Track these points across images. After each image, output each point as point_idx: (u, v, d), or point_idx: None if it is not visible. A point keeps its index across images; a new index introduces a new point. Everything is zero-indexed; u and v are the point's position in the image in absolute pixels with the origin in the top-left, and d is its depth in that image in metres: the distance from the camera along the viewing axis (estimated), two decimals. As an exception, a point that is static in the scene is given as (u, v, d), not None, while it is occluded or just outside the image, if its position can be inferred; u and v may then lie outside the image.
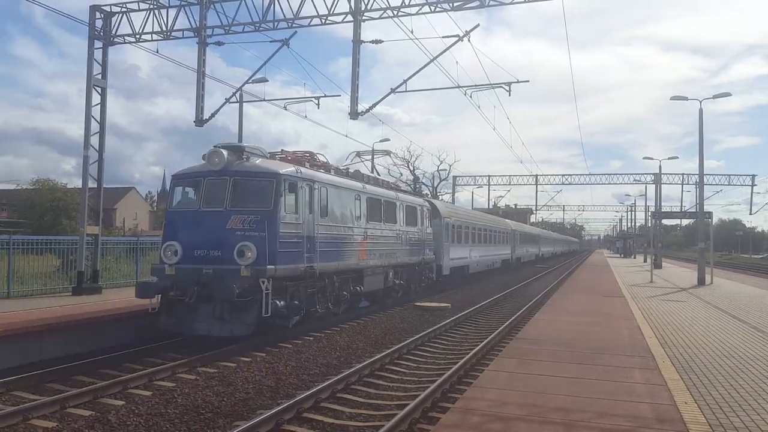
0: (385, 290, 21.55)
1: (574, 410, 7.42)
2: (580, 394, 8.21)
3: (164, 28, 22.00)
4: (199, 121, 22.39)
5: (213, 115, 22.74)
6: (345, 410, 9.52)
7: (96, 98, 21.53)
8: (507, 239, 46.99)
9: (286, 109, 26.43)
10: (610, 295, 23.28)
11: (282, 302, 14.25)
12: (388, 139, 49.16)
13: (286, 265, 14.28)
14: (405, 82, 22.03)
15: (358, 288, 18.73)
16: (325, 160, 19.04)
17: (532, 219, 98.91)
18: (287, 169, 14.92)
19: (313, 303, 15.78)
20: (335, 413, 9.36)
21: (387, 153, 35.91)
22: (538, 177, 72.77)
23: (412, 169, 68.42)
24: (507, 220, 52.54)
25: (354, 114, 21.01)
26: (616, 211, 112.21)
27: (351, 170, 20.97)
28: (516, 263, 51.33)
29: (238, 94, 26.14)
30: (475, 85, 25.52)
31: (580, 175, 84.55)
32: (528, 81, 25.16)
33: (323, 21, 21.02)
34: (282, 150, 17.74)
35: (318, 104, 25.25)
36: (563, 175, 75.53)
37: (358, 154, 28.42)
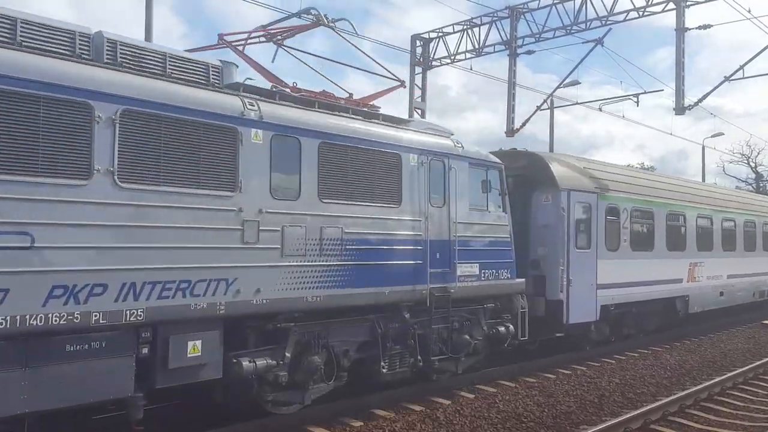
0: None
1: None
2: None
3: (477, 46, 23.29)
4: (510, 132, 22.74)
5: (524, 124, 22.89)
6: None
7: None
8: None
9: (601, 110, 25.34)
10: None
11: None
12: (721, 134, 43.16)
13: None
14: (742, 68, 19.48)
15: None
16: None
17: None
18: None
19: None
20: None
21: None
22: None
23: (753, 165, 59.71)
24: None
25: (680, 109, 19.23)
26: None
27: None
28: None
29: (548, 101, 25.84)
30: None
31: None
32: None
33: (641, 14, 19.73)
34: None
35: (637, 102, 23.68)
36: None
37: None
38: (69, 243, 6.40)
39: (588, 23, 20.84)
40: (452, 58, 24.02)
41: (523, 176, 13.74)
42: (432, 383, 10.77)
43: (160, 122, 7.18)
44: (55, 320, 6.23)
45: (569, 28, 21.22)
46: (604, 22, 20.48)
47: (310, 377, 8.73)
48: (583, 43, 21.08)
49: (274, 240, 8.13)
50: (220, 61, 8.96)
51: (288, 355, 8.43)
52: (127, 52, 7.51)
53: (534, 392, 10.71)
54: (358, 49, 11.61)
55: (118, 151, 6.80)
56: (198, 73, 8.01)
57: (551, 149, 29.37)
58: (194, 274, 7.32)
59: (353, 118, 9.59)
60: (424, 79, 24.45)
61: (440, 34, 24.21)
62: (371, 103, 10.65)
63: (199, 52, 9.41)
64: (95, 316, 6.50)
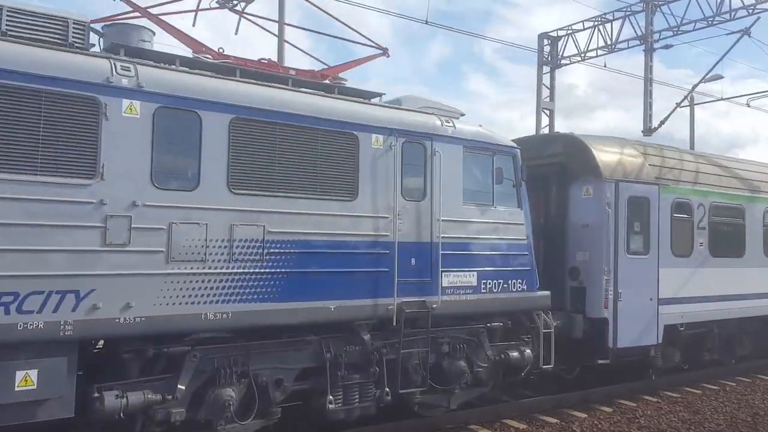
0: None
1: None
2: None
3: (609, 42, 22.06)
4: (648, 131, 20.88)
5: (663, 122, 20.87)
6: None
7: (544, 120, 23.18)
8: None
9: (749, 106, 23.33)
10: None
11: None
12: None
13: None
14: None
15: None
16: None
17: None
18: None
19: None
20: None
21: None
22: None
23: None
24: None
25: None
26: None
27: None
28: None
29: (689, 97, 23.72)
30: None
31: None
32: None
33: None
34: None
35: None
36: None
37: None
38: None
39: (733, 13, 19.16)
40: (582, 55, 22.86)
41: (558, 165, 11.15)
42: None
43: (-20, 90, 5.63)
44: None
45: (711, 19, 19.61)
46: (751, 11, 18.73)
47: (220, 414, 6.87)
48: (727, 34, 19.66)
49: (156, 241, 6.36)
50: (127, 24, 7.39)
51: (182, 387, 6.61)
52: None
53: (678, 408, 10.53)
54: (330, 15, 9.61)
55: None
56: (50, 31, 6.38)
57: (692, 146, 26.50)
58: (23, 285, 5.68)
59: (290, 89, 7.63)
60: (552, 78, 23.52)
61: (569, 31, 23.10)
62: (339, 74, 8.68)
63: (119, 19, 7.86)
64: None
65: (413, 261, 8.21)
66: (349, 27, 9.35)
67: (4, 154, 5.67)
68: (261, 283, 6.99)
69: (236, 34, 9.52)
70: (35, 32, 6.29)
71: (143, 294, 6.23)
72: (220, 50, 7.72)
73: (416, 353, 8.36)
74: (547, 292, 9.74)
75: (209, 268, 6.64)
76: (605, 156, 11.02)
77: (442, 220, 8.47)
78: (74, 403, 5.99)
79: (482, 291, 8.86)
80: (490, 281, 8.97)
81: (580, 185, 10.89)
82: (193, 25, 9.23)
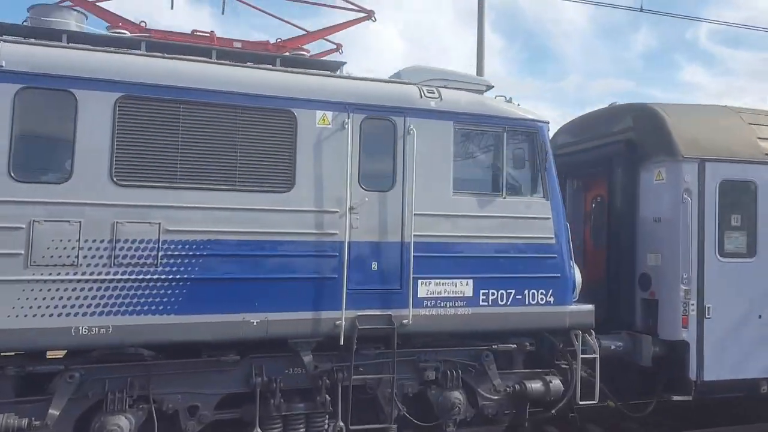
0: None
1: None
2: None
3: None
4: None
5: None
6: None
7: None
8: None
9: None
10: None
11: None
12: None
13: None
14: None
15: None
16: None
17: None
18: None
19: None
20: None
21: None
22: None
23: None
24: None
25: None
26: None
27: None
28: None
29: None
30: None
31: None
32: None
33: None
34: None
35: None
36: None
37: None
38: None
39: None
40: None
41: (625, 143, 8.71)
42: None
43: None
44: None
45: None
46: None
47: None
48: None
49: (12, 242, 5.50)
50: (55, 6, 6.71)
51: (54, 412, 5.68)
52: None
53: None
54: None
55: None
56: None
57: None
58: None
59: (201, 61, 6.40)
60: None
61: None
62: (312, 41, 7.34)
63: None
64: None
65: (374, 265, 6.58)
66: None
67: None
68: (154, 292, 5.85)
69: (222, 13, 8.51)
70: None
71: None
72: (142, 23, 6.75)
73: (388, 380, 6.71)
74: (590, 307, 7.51)
75: (83, 273, 5.64)
76: (685, 126, 8.35)
77: (419, 215, 6.73)
78: None
79: (481, 303, 6.94)
80: (495, 291, 7.02)
81: (651, 167, 8.36)
82: (222, 13, 8.25)
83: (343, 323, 6.33)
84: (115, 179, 5.79)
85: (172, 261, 5.91)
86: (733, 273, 8.15)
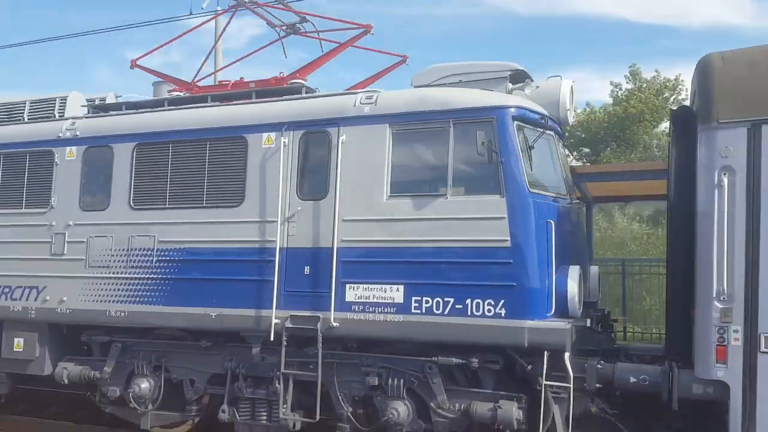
0: None
1: None
2: None
3: None
4: None
5: None
6: None
7: None
8: None
9: None
10: None
11: None
12: None
13: None
14: None
15: None
16: None
17: None
18: None
19: None
20: None
21: None
22: None
23: None
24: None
25: None
26: None
27: None
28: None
29: None
30: None
31: None
32: None
33: None
34: None
35: None
36: None
37: None
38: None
39: None
40: None
41: (680, 113, 6.52)
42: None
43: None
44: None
45: None
46: None
47: (142, 400, 8.01)
48: None
49: (80, 251, 8.23)
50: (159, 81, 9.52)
51: (107, 369, 8.17)
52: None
53: None
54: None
55: None
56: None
57: None
58: (12, 282, 8.59)
59: (185, 108, 8.12)
60: None
61: None
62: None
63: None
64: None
65: (307, 270, 7.09)
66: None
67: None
68: (151, 287, 7.82)
69: (285, 57, 9.70)
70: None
71: (71, 292, 8.20)
72: (195, 82, 8.80)
73: (340, 381, 7.06)
74: (560, 324, 6.21)
75: (112, 273, 8.02)
76: (744, 76, 5.80)
77: (347, 221, 6.92)
78: (45, 366, 8.50)
79: (413, 311, 6.62)
80: (429, 299, 6.58)
81: (700, 140, 6.10)
82: (285, 57, 9.95)
83: (273, 321, 7.06)
84: (132, 205, 8.01)
85: (162, 264, 7.78)
86: (818, 288, 5.36)
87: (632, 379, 6.26)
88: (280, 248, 7.13)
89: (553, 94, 7.31)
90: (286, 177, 7.22)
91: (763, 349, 5.49)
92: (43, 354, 8.56)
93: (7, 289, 8.65)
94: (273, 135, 7.38)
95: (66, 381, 8.39)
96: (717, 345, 5.65)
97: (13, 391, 9.25)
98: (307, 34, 9.27)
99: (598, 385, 6.34)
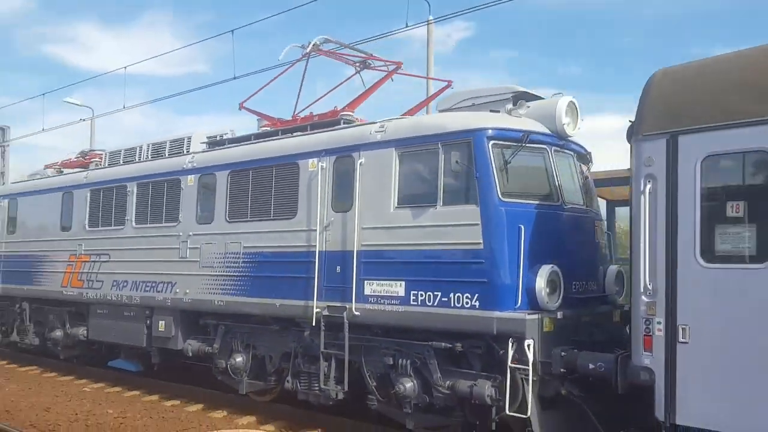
0: None
1: None
2: None
3: None
4: None
5: None
6: None
7: None
8: None
9: None
10: None
11: None
12: None
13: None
14: None
15: None
16: None
17: None
18: None
19: None
20: None
21: None
22: None
23: None
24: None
25: None
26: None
27: None
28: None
29: None
30: None
31: None
32: None
33: None
34: None
35: None
36: None
37: None
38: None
39: None
40: None
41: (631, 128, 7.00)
42: None
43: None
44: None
45: None
46: None
47: (238, 371, 10.25)
48: None
49: (195, 254, 10.71)
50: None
51: (216, 346, 10.53)
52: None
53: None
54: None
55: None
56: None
57: None
58: (157, 278, 11.40)
59: (259, 142, 10.28)
60: None
61: None
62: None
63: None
64: (125, 298, 12.03)
65: (338, 269, 8.74)
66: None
67: (150, 214, 11.65)
68: (239, 282, 10.02)
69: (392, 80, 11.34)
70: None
71: (191, 286, 10.74)
72: (279, 119, 10.93)
73: (370, 360, 8.64)
74: (522, 315, 7.19)
75: (216, 271, 10.38)
76: (677, 89, 6.30)
77: (366, 228, 8.47)
78: (178, 343, 11.14)
79: (412, 303, 7.99)
80: (423, 293, 7.91)
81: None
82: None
83: (315, 310, 8.82)
84: (227, 219, 10.30)
85: (246, 265, 9.95)
86: (726, 283, 5.79)
87: (591, 366, 6.95)
88: (319, 251, 8.88)
89: (549, 111, 8.14)
90: (323, 194, 8.96)
91: (680, 339, 6.01)
92: (177, 333, 11.24)
93: (153, 284, 11.48)
94: (315, 160, 9.16)
95: (191, 354, 10.97)
96: (644, 335, 6.26)
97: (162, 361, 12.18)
98: (375, 68, 10.97)
99: (562, 370, 7.12)
